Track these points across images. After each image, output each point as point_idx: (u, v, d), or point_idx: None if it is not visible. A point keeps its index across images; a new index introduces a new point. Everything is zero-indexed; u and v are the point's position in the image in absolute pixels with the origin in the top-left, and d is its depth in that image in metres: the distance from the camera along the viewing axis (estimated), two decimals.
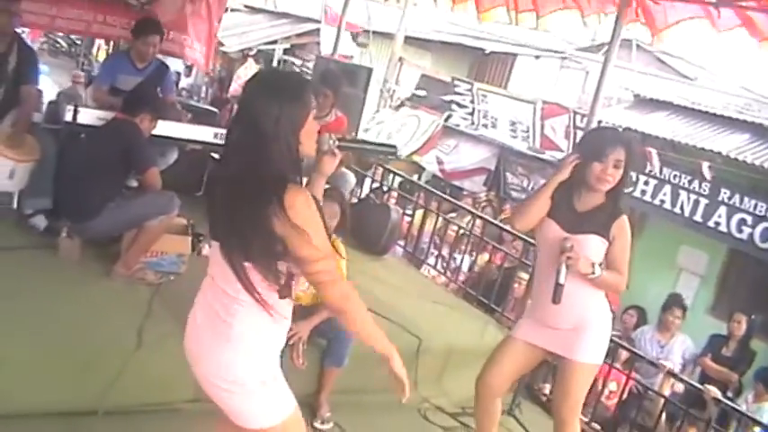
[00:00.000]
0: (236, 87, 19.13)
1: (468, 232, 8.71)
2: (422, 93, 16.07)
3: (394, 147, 2.99)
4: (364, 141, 2.96)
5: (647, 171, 11.52)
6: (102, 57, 19.57)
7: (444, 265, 9.11)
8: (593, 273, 4.07)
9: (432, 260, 9.13)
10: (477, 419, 4.79)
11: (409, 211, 9.82)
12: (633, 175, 11.50)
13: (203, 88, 21.15)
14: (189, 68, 20.16)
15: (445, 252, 9.41)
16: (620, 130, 4.83)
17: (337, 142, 2.90)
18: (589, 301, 4.27)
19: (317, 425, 5.00)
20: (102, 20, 8.24)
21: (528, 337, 4.46)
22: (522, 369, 4.67)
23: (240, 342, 2.89)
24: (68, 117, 5.91)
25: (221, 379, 2.90)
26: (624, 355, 7.16)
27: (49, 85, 7.03)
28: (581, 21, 6.69)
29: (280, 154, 2.76)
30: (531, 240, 6.77)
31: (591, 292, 4.24)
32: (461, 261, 8.98)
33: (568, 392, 4.36)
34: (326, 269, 2.82)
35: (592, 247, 4.16)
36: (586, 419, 6.69)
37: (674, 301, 8.68)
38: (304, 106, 2.80)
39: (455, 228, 9.17)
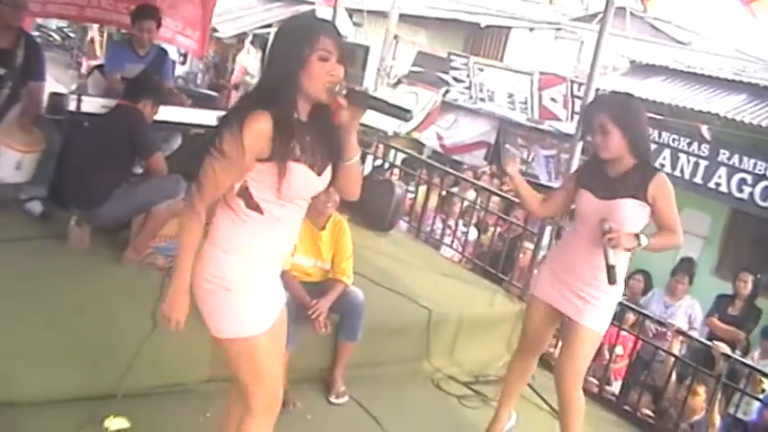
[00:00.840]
0: (237, 75, 19.12)
1: (474, 205, 8.78)
2: (418, 69, 16.05)
3: (408, 110, 2.97)
4: (377, 99, 2.91)
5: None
6: (97, 49, 19.49)
7: (450, 238, 9.15)
8: (640, 244, 4.08)
9: (437, 234, 9.16)
10: (507, 376, 4.91)
11: (412, 188, 9.85)
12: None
13: (199, 75, 21.17)
14: (184, 56, 20.14)
15: (462, 231, 9.46)
16: (603, 93, 4.85)
17: (345, 91, 2.85)
18: (596, 267, 4.22)
19: (333, 399, 5.04)
20: (97, 3, 8.11)
21: (544, 296, 4.52)
22: (549, 325, 4.69)
23: (215, 241, 3.02)
24: (72, 106, 5.96)
25: (200, 275, 3.01)
26: (631, 319, 7.20)
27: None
28: None
29: (269, 84, 2.94)
30: None
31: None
32: (467, 233, 9.00)
33: (572, 356, 4.39)
34: (192, 198, 2.98)
35: (629, 210, 4.14)
36: (597, 382, 6.78)
37: (681, 267, 8.75)
38: (305, 46, 2.85)
39: (459, 201, 9.22)
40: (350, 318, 5.06)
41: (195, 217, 2.97)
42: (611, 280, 4.02)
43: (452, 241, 9.00)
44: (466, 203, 9.10)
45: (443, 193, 9.42)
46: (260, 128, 2.82)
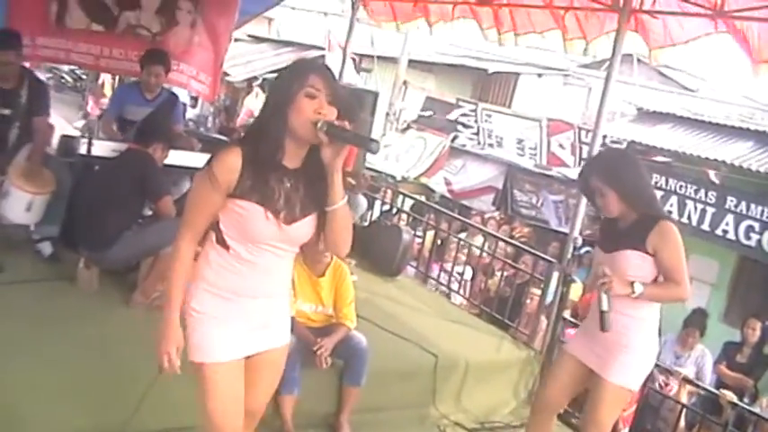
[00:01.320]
0: (243, 118, 19.21)
1: (481, 250, 8.80)
2: (427, 113, 16.14)
3: (376, 141, 2.98)
4: (347, 131, 2.89)
5: (652, 183, 11.54)
6: (107, 91, 19.62)
7: (458, 283, 9.17)
8: (633, 292, 4.03)
9: (444, 279, 9.17)
10: None
11: (419, 233, 9.87)
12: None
13: (209, 118, 21.26)
14: (195, 99, 20.26)
15: (457, 271, 9.46)
16: (596, 155, 4.91)
17: (325, 127, 2.84)
18: (629, 322, 4.19)
19: None
20: (109, 54, 8.25)
21: (575, 351, 4.49)
22: (576, 384, 4.59)
23: (195, 272, 3.09)
24: (83, 149, 6.01)
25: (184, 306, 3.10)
26: None
27: (54, 119, 7.09)
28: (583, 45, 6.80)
29: (259, 120, 3.02)
30: (543, 255, 6.84)
31: (633, 312, 4.18)
32: (472, 278, 9.03)
33: (595, 412, 4.33)
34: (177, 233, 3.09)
35: (628, 262, 4.13)
36: None
37: (692, 320, 8.67)
38: (294, 83, 2.90)
39: (464, 247, 9.24)
40: (354, 363, 5.06)
41: (176, 251, 3.06)
42: (604, 327, 4.02)
43: (459, 287, 9.02)
44: (472, 248, 9.11)
45: (441, 239, 9.48)
46: (229, 162, 2.89)
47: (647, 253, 4.10)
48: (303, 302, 5.07)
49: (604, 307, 4.00)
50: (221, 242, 3.02)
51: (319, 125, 2.84)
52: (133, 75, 7.98)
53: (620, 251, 4.16)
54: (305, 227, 3.05)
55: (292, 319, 4.33)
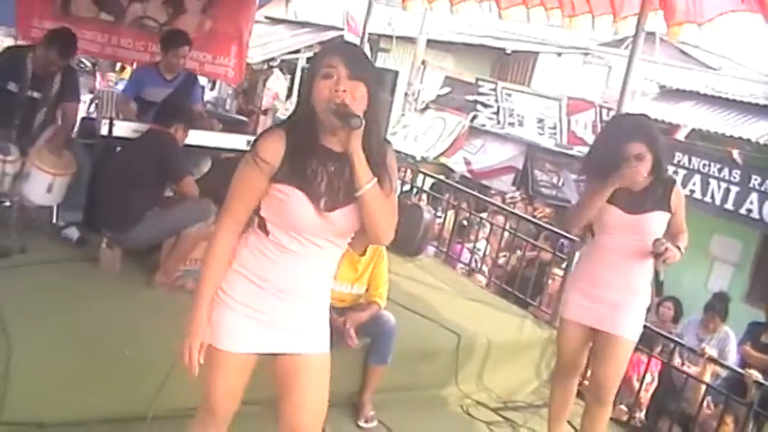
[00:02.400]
0: (268, 101, 19.16)
1: (503, 229, 8.78)
2: (445, 91, 16.07)
3: (357, 116, 2.87)
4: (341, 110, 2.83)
5: (676, 161, 11.44)
6: (126, 74, 19.64)
7: (479, 262, 9.14)
8: (681, 254, 4.23)
9: (466, 259, 9.15)
10: (552, 403, 4.92)
11: (440, 212, 9.85)
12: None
13: (228, 101, 21.23)
14: (213, 82, 20.23)
15: (478, 250, 9.44)
16: (636, 116, 4.85)
17: (334, 108, 2.74)
18: (638, 270, 4.37)
19: (362, 423, 5.02)
20: (117, 42, 8.39)
21: (577, 317, 4.52)
22: (585, 346, 4.70)
23: (236, 252, 3.03)
24: (104, 131, 6.01)
25: None
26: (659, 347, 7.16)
27: None
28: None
29: (295, 107, 3.00)
30: (566, 234, 6.80)
31: (640, 262, 4.35)
32: (496, 258, 9.00)
33: (611, 368, 4.46)
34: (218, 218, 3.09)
35: (657, 223, 4.30)
36: (626, 410, 6.72)
37: (713, 307, 8.59)
38: (314, 66, 2.88)
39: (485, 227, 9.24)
40: (381, 341, 5.05)
41: (215, 239, 3.01)
42: (660, 293, 4.16)
43: (480, 266, 9.00)
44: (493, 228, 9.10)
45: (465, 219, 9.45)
46: (273, 145, 2.86)
47: (670, 212, 4.31)
48: (340, 283, 4.98)
49: (663, 277, 4.14)
50: (262, 227, 2.95)
51: (332, 107, 2.76)
52: (141, 63, 8.05)
53: (647, 213, 4.28)
54: (348, 214, 2.90)
55: None
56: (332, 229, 2.92)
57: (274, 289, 2.97)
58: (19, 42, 8.17)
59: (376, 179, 2.88)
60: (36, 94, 6.03)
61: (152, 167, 5.39)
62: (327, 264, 3.06)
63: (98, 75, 20.32)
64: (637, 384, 6.86)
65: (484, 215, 9.92)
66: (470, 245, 9.32)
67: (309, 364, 3.13)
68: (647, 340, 7.04)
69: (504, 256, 9.22)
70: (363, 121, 2.75)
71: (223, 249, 2.99)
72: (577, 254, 4.68)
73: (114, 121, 6.09)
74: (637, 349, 6.79)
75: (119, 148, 5.96)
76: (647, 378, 7.01)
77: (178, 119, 5.67)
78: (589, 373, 5.23)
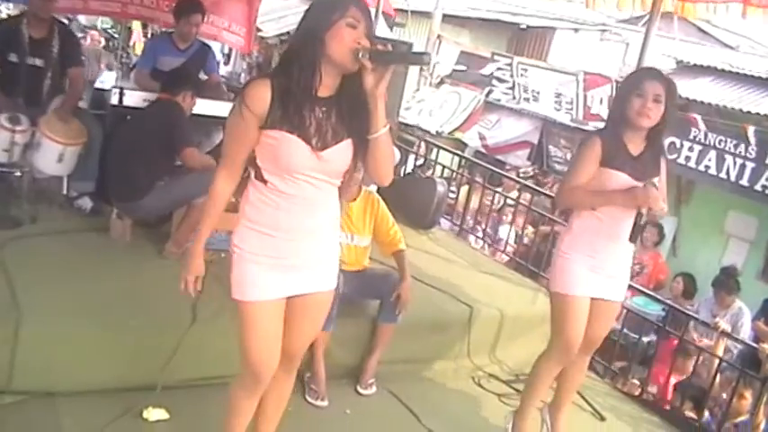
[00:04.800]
0: None
1: (517, 203, 8.76)
2: (461, 68, 15.98)
3: (427, 53, 2.98)
4: (394, 52, 2.92)
5: (691, 137, 11.34)
6: (139, 49, 19.63)
7: (491, 237, 9.13)
8: (665, 208, 4.14)
9: (480, 233, 9.14)
10: (541, 383, 4.66)
11: (454, 188, 9.83)
12: (677, 141, 11.39)
13: (242, 75, 21.21)
14: (227, 56, 20.24)
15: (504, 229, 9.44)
16: (660, 70, 4.72)
17: (368, 53, 2.87)
18: (629, 244, 4.30)
19: (360, 390, 5.01)
20: (139, 1, 8.31)
21: (587, 292, 4.34)
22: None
23: (242, 209, 3.15)
24: (114, 100, 6.00)
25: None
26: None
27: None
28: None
29: (293, 46, 3.04)
30: None
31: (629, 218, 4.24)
32: (509, 232, 8.99)
33: (604, 329, 4.51)
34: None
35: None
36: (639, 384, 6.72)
37: (719, 282, 8.51)
38: (336, 12, 2.90)
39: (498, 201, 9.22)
40: (390, 300, 4.99)
41: (212, 187, 3.16)
42: (634, 239, 4.14)
43: (493, 242, 9.00)
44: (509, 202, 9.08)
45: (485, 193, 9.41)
46: (259, 92, 2.94)
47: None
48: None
49: (643, 221, 4.05)
50: (259, 177, 3.04)
51: (361, 53, 2.87)
52: (167, 25, 7.96)
53: (651, 179, 4.14)
54: (339, 153, 3.04)
55: None
56: (324, 168, 3.03)
57: (284, 234, 3.07)
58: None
59: (389, 125, 3.07)
60: (38, 62, 6.00)
61: (160, 137, 5.34)
62: (326, 198, 3.15)
63: (88, 36, 20.29)
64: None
65: (499, 190, 9.88)
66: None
67: (316, 302, 3.31)
68: (665, 318, 7.05)
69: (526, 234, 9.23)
70: (431, 57, 2.92)
71: (219, 195, 3.17)
72: (575, 224, 4.47)
73: (124, 91, 6.07)
74: (664, 332, 6.87)
75: (129, 117, 5.92)
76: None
77: (185, 86, 5.62)
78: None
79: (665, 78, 4.19)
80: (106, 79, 7.43)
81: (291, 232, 3.07)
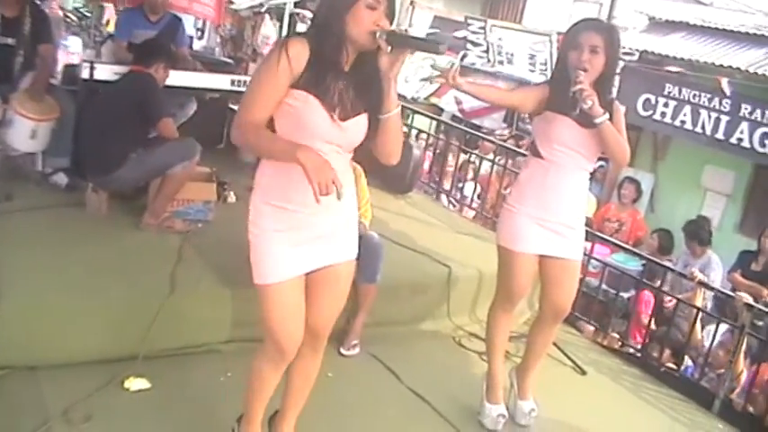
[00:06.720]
0: (262, 46, 19.03)
1: (494, 163, 8.80)
2: (434, 30, 15.96)
3: (442, 43, 3.01)
4: (413, 37, 3.00)
5: (665, 93, 11.37)
6: (111, 27, 19.50)
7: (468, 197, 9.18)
8: (604, 115, 4.02)
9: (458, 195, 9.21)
10: (498, 333, 4.66)
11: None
12: (652, 98, 11.41)
13: (216, 50, 21.07)
14: (201, 31, 20.10)
15: (469, 186, 9.47)
16: (601, 20, 4.66)
17: (385, 35, 2.92)
18: (583, 190, 4.30)
19: (344, 351, 5.05)
20: None
21: (533, 248, 4.31)
22: (533, 272, 4.53)
23: (256, 185, 3.14)
24: (85, 74, 5.99)
25: (248, 225, 3.16)
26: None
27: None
28: None
29: (317, 22, 3.07)
30: None
31: (585, 181, 4.28)
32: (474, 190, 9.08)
33: (569, 291, 4.42)
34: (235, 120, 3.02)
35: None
36: (618, 337, 6.79)
37: (692, 234, 8.60)
38: None
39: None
40: (368, 260, 4.96)
41: (240, 129, 2.97)
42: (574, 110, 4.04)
43: (471, 201, 9.05)
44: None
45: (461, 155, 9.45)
46: (299, 49, 2.92)
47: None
48: None
49: (586, 106, 3.97)
50: None
51: (378, 34, 2.92)
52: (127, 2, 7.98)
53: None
54: (358, 125, 3.06)
55: None
56: (343, 138, 3.04)
57: (300, 206, 3.05)
58: None
59: (400, 106, 3.14)
60: (10, 41, 5.97)
61: (133, 109, 5.33)
62: (341, 167, 3.02)
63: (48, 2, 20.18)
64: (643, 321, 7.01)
65: (476, 152, 9.91)
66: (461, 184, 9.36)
67: (339, 273, 3.30)
68: (643, 273, 7.11)
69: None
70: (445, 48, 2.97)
71: (258, 125, 2.96)
72: (521, 175, 4.44)
73: (95, 65, 6.06)
74: (643, 284, 6.91)
75: (100, 91, 5.91)
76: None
77: (157, 57, 5.61)
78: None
79: (603, 28, 4.18)
80: (71, 44, 7.39)
81: (306, 204, 3.00)
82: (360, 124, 3.07)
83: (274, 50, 2.97)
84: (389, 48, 2.94)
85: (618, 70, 11.19)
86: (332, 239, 3.21)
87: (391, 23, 2.98)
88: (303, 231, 3.11)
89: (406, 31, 3.00)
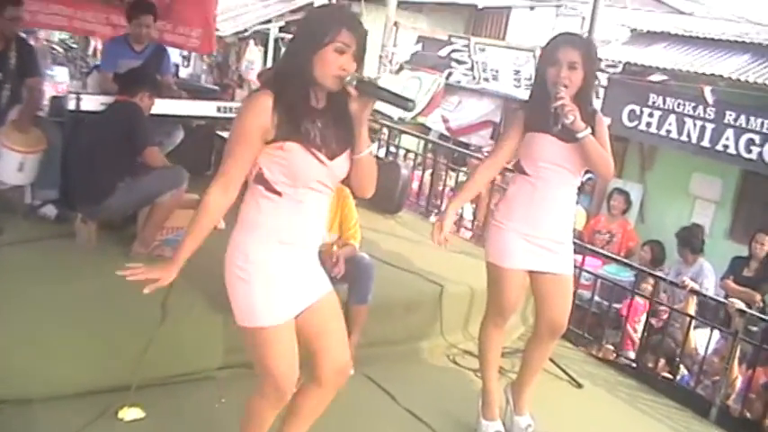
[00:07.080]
0: (247, 71, 19.07)
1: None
2: (418, 47, 16.04)
3: (411, 100, 3.02)
4: (382, 89, 3.00)
5: (650, 103, 11.45)
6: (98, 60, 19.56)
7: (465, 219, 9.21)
8: (586, 129, 4.02)
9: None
10: (492, 350, 4.67)
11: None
12: (637, 108, 11.46)
13: (203, 77, 21.14)
14: (186, 59, 20.16)
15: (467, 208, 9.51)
16: (577, 35, 4.68)
17: (355, 82, 2.91)
18: (571, 205, 4.31)
19: None
20: (82, 16, 8.29)
21: (522, 264, 4.32)
22: (523, 289, 4.60)
23: (241, 224, 3.12)
24: (72, 105, 5.99)
25: (228, 262, 3.13)
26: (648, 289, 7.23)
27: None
28: None
29: (283, 64, 3.11)
30: None
31: (572, 196, 4.30)
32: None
33: (564, 306, 4.40)
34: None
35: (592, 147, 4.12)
36: (613, 349, 6.80)
37: (684, 242, 8.66)
38: (322, 34, 2.92)
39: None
40: (359, 280, 5.02)
41: (204, 199, 3.02)
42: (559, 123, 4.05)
43: (472, 222, 9.07)
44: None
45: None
46: (261, 106, 2.92)
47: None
48: None
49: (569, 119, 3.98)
50: (272, 190, 3.02)
51: (348, 79, 2.91)
52: (105, 37, 8.01)
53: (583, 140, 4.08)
54: (344, 161, 3.10)
55: None
56: (332, 175, 3.09)
57: (296, 244, 3.11)
58: None
59: (373, 146, 3.21)
60: None
61: (119, 138, 5.34)
62: (325, 206, 3.20)
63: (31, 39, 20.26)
64: (633, 328, 6.98)
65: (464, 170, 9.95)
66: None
67: (326, 304, 3.28)
68: (635, 284, 7.12)
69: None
70: (415, 104, 2.96)
71: (214, 208, 3.04)
72: (509, 191, 4.45)
73: (81, 96, 6.07)
74: (634, 294, 6.92)
75: (87, 122, 5.91)
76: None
77: (142, 86, 5.62)
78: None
79: (580, 42, 4.18)
80: (58, 74, 7.42)
81: (303, 241, 3.12)
82: (346, 159, 3.11)
83: (240, 112, 3.03)
84: (356, 93, 2.93)
85: (603, 83, 11.40)
86: (313, 275, 3.25)
87: (360, 66, 2.97)
88: (297, 270, 3.13)
89: (375, 80, 2.97)
